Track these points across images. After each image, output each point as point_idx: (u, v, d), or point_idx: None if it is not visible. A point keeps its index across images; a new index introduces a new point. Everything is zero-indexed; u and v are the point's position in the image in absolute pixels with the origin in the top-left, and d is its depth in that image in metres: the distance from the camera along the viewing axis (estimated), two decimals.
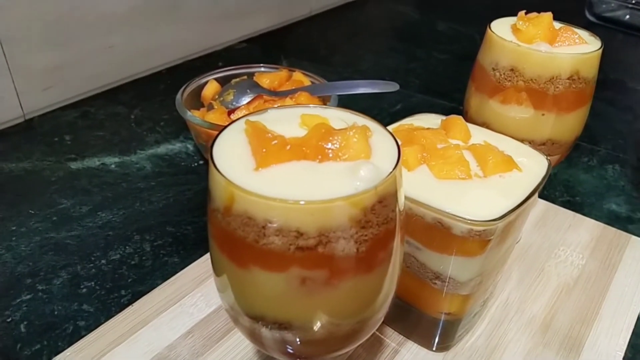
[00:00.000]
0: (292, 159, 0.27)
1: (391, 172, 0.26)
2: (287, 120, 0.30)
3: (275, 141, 0.27)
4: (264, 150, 0.27)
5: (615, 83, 0.92)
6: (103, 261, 0.54)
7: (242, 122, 0.30)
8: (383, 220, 0.27)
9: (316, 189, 0.26)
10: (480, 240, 0.37)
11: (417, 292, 0.42)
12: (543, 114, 0.46)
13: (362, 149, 0.27)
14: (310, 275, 0.26)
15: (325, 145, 0.27)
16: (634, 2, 1.10)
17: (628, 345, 0.46)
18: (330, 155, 0.27)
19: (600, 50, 0.46)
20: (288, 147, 0.27)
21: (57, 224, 0.58)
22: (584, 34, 0.48)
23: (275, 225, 0.25)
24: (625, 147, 0.76)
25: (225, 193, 0.26)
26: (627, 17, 1.10)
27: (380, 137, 0.29)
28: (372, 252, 0.27)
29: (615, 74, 0.94)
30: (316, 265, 0.26)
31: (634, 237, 0.57)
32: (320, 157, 0.27)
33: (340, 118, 0.30)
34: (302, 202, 0.24)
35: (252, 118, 0.30)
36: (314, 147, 0.27)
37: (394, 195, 0.27)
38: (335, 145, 0.27)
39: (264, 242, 0.26)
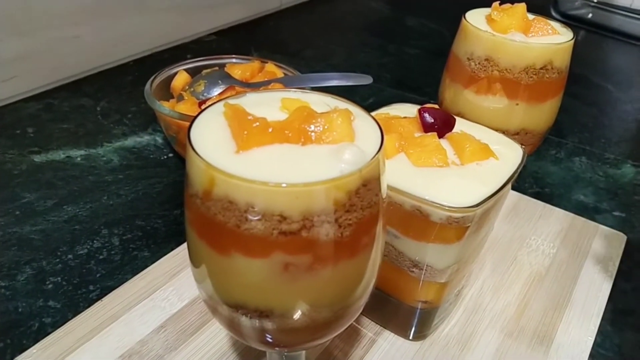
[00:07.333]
0: (274, 141, 0.26)
1: (375, 155, 0.26)
2: (267, 104, 0.30)
3: (257, 123, 0.26)
4: (245, 132, 0.26)
5: (580, 78, 0.94)
6: (70, 256, 0.52)
7: (219, 105, 0.29)
8: (367, 204, 0.26)
9: (300, 171, 0.25)
10: (458, 227, 0.37)
11: (395, 281, 0.42)
12: (517, 104, 0.47)
13: (346, 131, 0.27)
14: (293, 261, 0.26)
15: (308, 128, 0.26)
16: (596, 1, 1.13)
17: (598, 330, 0.47)
18: (314, 138, 0.26)
19: (573, 41, 0.47)
20: (270, 129, 0.26)
21: (21, 218, 0.56)
22: (556, 25, 0.49)
23: (257, 209, 0.24)
24: (591, 140, 0.78)
25: (205, 177, 0.25)
26: (590, 15, 1.13)
27: (362, 121, 0.29)
28: (356, 237, 0.26)
29: (580, 69, 0.96)
30: (300, 250, 0.25)
31: (601, 226, 0.58)
32: (303, 139, 0.26)
33: (321, 102, 0.30)
34: (285, 185, 0.24)
35: (231, 101, 0.29)
36: (296, 129, 0.26)
37: (377, 179, 0.27)
38: (319, 128, 0.26)
39: (246, 227, 0.25)
